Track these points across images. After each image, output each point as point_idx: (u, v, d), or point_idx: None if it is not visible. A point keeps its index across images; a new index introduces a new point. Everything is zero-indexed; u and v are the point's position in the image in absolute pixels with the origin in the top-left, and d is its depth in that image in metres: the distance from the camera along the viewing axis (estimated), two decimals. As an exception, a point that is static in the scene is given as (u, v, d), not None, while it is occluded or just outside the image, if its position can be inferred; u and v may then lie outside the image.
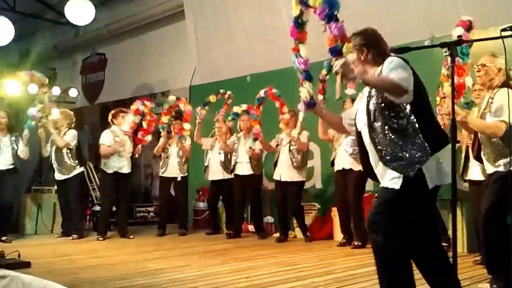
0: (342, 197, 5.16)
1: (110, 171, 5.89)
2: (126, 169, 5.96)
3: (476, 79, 3.14)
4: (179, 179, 6.30)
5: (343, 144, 5.11)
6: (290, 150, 5.58)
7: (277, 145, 5.75)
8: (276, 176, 5.69)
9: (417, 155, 2.12)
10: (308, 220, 5.95)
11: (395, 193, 2.17)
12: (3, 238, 5.51)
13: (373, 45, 2.32)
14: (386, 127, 2.18)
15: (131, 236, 5.93)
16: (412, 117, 2.14)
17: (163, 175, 6.40)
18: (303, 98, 2.55)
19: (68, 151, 5.95)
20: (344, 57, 2.42)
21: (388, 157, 2.17)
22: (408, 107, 2.15)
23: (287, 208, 5.67)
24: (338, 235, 5.53)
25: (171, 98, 6.41)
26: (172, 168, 6.30)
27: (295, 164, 5.53)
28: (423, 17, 5.48)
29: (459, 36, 2.18)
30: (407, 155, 2.13)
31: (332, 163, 5.31)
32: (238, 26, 7.49)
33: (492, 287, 2.90)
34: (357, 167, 4.80)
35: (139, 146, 6.15)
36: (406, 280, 2.20)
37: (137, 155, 6.13)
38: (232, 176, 6.10)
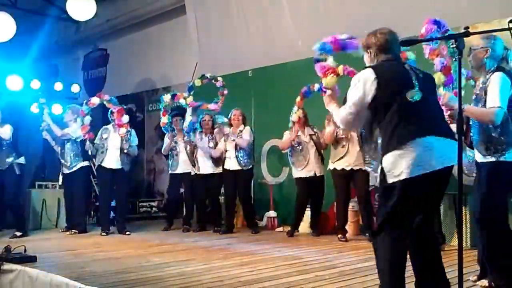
0: (345, 192, 5.18)
1: (106, 166, 5.90)
2: (117, 164, 5.87)
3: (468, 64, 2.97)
4: (193, 173, 6.22)
5: (356, 143, 5.08)
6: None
7: (299, 143, 5.57)
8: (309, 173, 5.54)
9: (377, 157, 2.43)
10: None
11: (379, 192, 2.42)
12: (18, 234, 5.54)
13: (376, 47, 2.45)
14: (366, 136, 2.58)
15: (128, 233, 5.82)
16: (374, 123, 2.37)
17: (174, 172, 6.35)
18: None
19: (74, 145, 5.98)
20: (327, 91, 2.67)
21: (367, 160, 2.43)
22: (371, 113, 2.36)
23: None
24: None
25: (166, 97, 6.29)
26: (183, 164, 6.28)
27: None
28: (428, 10, 5.46)
29: (466, 28, 2.16)
30: (370, 158, 2.41)
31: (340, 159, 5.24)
32: (240, 21, 7.48)
33: (491, 285, 2.85)
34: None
35: (122, 130, 5.91)
36: (398, 274, 2.28)
37: (126, 147, 5.88)
38: (219, 170, 6.05)
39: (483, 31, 2.36)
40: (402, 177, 2.23)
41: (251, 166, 6.05)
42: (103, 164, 5.90)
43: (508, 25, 2.12)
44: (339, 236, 5.09)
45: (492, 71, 2.75)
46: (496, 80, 2.70)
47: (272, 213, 6.44)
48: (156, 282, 3.11)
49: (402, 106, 2.29)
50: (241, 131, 5.90)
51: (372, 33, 2.50)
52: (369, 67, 2.43)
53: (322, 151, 5.58)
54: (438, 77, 2.66)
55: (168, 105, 6.34)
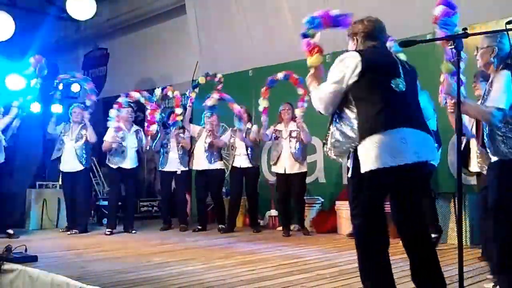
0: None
1: (114, 166, 5.92)
2: (129, 164, 5.95)
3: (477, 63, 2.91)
4: (178, 172, 6.27)
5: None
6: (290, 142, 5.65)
7: (276, 137, 5.72)
8: (280, 169, 5.66)
9: (348, 144, 2.28)
10: (312, 213, 5.98)
11: (351, 180, 2.33)
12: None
13: (363, 34, 2.41)
14: (335, 122, 2.38)
15: (133, 231, 5.93)
16: (353, 104, 2.28)
17: (163, 169, 6.37)
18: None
19: (80, 145, 6.01)
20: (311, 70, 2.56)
21: (331, 148, 2.38)
22: (350, 97, 2.29)
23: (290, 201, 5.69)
24: (343, 229, 5.57)
25: (156, 91, 6.35)
26: (173, 162, 6.30)
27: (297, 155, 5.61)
28: (425, 10, 5.46)
29: (464, 29, 2.16)
30: (343, 146, 2.31)
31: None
32: (240, 20, 7.48)
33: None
34: None
35: (148, 138, 6.08)
36: (384, 275, 2.28)
37: (148, 147, 6.04)
38: (219, 166, 6.07)
39: (482, 32, 2.35)
40: (374, 167, 2.19)
41: (258, 164, 6.09)
42: (119, 164, 5.91)
43: (506, 26, 2.12)
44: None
45: (500, 69, 2.67)
46: (499, 78, 2.61)
47: (273, 212, 6.45)
48: (157, 281, 3.11)
49: (385, 93, 2.26)
50: (249, 128, 5.91)
51: (358, 21, 2.47)
52: (354, 50, 2.38)
53: (300, 148, 5.61)
54: (446, 66, 2.56)
55: (159, 99, 6.36)
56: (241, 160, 5.92)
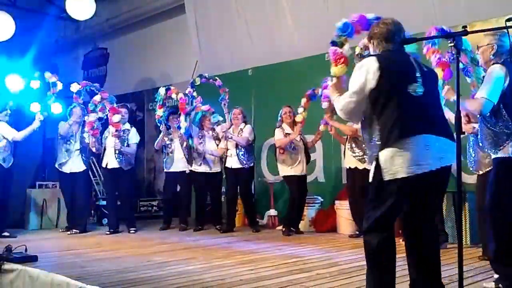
0: (353, 191, 5.20)
1: (106, 166, 5.93)
2: (114, 164, 5.86)
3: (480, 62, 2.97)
4: (187, 171, 6.23)
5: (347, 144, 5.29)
6: None
7: (294, 148, 5.66)
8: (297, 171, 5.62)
9: (374, 151, 2.26)
10: (312, 213, 5.98)
11: (370, 186, 2.30)
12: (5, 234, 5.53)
13: (378, 37, 2.40)
14: (364, 128, 2.39)
15: (132, 231, 5.88)
16: (372, 112, 2.27)
17: (169, 170, 6.35)
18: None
19: (80, 146, 6.02)
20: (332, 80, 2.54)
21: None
22: (370, 104, 2.28)
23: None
24: (342, 228, 5.57)
25: (161, 90, 6.34)
26: (177, 162, 6.29)
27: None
28: (425, 9, 5.47)
29: (464, 27, 2.16)
30: (368, 151, 2.34)
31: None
32: (240, 19, 7.48)
33: (498, 286, 2.81)
34: (361, 166, 5.07)
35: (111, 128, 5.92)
36: (387, 274, 2.25)
37: (117, 147, 5.83)
38: (218, 169, 6.08)
39: (481, 30, 2.36)
40: (399, 176, 2.17)
41: (252, 164, 6.06)
42: (102, 164, 5.97)
43: (506, 24, 2.12)
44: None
45: (492, 64, 2.72)
46: (490, 72, 2.67)
47: (272, 212, 6.44)
48: (157, 281, 3.11)
49: (403, 100, 2.23)
50: (241, 129, 5.92)
51: (375, 23, 2.48)
52: (372, 55, 2.38)
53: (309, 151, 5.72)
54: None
55: (162, 99, 6.36)
56: (232, 161, 5.91)
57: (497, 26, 2.22)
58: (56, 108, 6.75)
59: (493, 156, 2.77)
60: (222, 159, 6.09)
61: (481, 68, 2.99)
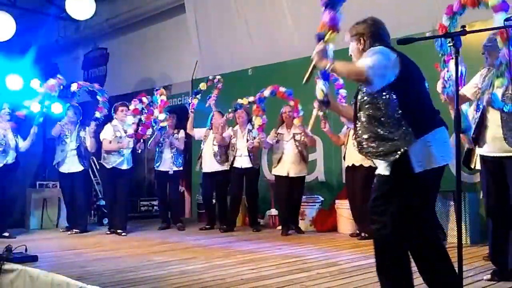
0: (353, 191, 5.17)
1: (109, 166, 5.86)
2: (125, 164, 5.88)
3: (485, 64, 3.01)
4: (170, 172, 6.26)
5: (351, 139, 5.13)
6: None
7: (277, 141, 5.73)
8: (282, 172, 5.63)
9: (398, 142, 2.11)
10: (312, 212, 5.98)
11: (386, 179, 2.18)
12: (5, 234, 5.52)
13: (370, 35, 2.30)
14: (367, 116, 2.20)
15: (123, 234, 5.70)
16: (397, 103, 2.13)
17: (158, 169, 6.36)
18: (318, 97, 2.43)
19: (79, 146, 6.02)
20: (324, 44, 2.30)
21: (364, 146, 2.21)
22: (394, 95, 2.13)
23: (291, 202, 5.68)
24: (343, 228, 5.57)
25: (161, 91, 6.37)
26: (166, 162, 6.29)
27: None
28: (424, 9, 5.46)
29: (463, 27, 2.16)
30: (386, 143, 2.13)
31: (344, 158, 5.37)
32: (239, 19, 7.48)
33: (494, 278, 2.89)
34: (367, 163, 4.86)
35: (141, 141, 6.04)
36: (404, 271, 2.19)
37: (140, 150, 6.02)
38: (226, 167, 6.07)
39: (480, 30, 2.36)
40: (429, 167, 2.11)
41: (258, 164, 6.11)
42: (107, 166, 5.91)
43: (504, 24, 2.13)
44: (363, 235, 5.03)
45: None
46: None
47: (273, 211, 6.45)
48: (157, 281, 3.11)
49: (423, 94, 2.21)
50: (250, 130, 5.91)
51: (361, 21, 2.36)
52: (387, 46, 2.22)
53: (304, 152, 5.65)
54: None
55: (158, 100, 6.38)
56: (243, 161, 5.91)
57: (497, 26, 2.23)
58: (56, 108, 6.77)
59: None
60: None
61: None
